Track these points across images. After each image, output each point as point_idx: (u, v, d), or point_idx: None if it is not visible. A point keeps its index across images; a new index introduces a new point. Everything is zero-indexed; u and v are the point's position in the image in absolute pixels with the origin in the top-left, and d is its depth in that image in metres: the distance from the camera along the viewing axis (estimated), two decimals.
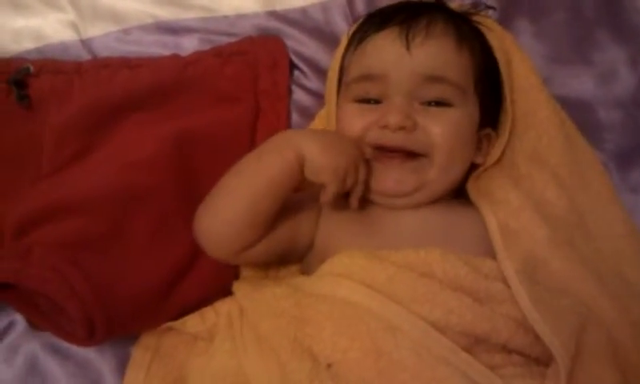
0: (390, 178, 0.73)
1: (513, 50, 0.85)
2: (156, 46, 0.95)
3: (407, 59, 0.72)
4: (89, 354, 0.76)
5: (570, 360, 0.56)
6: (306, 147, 0.68)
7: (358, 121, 0.74)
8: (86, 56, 0.94)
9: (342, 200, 0.73)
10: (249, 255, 0.72)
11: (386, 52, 0.74)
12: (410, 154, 0.72)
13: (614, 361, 0.58)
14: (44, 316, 0.73)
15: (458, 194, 0.79)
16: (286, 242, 0.74)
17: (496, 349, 0.61)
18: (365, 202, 0.75)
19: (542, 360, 0.61)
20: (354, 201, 0.72)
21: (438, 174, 0.72)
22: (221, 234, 0.71)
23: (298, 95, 0.94)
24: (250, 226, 0.70)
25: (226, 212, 0.70)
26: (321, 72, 0.92)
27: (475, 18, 0.80)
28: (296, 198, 0.75)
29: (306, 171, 0.68)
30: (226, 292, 0.75)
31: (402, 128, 0.70)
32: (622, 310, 0.66)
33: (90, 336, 0.69)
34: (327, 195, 0.69)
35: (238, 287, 0.74)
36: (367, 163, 0.72)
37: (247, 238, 0.71)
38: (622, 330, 0.64)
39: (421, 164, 0.72)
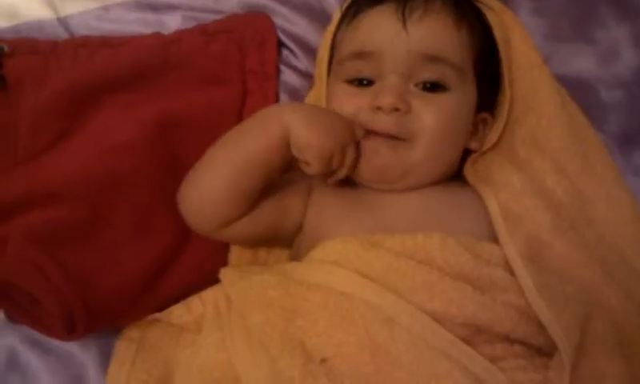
0: (373, 162, 0.70)
1: (513, 27, 0.82)
2: (137, 24, 0.91)
3: (403, 37, 0.69)
4: (71, 347, 0.73)
5: (574, 350, 0.54)
6: (292, 121, 0.65)
7: (348, 103, 0.71)
8: (63, 35, 0.90)
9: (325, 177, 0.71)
10: (232, 231, 0.70)
11: (381, 29, 0.71)
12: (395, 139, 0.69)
13: (619, 350, 0.57)
14: (22, 309, 0.70)
15: (457, 178, 0.77)
16: (271, 221, 0.72)
17: (498, 339, 0.59)
18: (358, 188, 0.72)
19: (544, 350, 0.59)
20: (331, 181, 0.70)
21: (424, 160, 0.70)
22: (201, 206, 0.69)
23: (287, 76, 0.90)
24: (230, 201, 0.68)
25: (207, 185, 0.68)
26: (311, 51, 0.89)
27: None
28: (286, 176, 0.72)
29: (291, 147, 0.66)
30: (214, 280, 0.73)
31: (395, 110, 0.67)
32: (626, 298, 0.64)
33: (69, 331, 0.66)
34: (309, 173, 0.67)
35: (224, 274, 0.71)
36: (357, 146, 0.69)
37: (228, 213, 0.69)
38: (626, 317, 0.63)
39: (404, 146, 0.69)
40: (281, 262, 0.77)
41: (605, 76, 0.83)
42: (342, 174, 0.69)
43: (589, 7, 0.86)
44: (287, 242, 0.76)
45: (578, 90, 0.82)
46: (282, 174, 0.70)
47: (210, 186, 0.68)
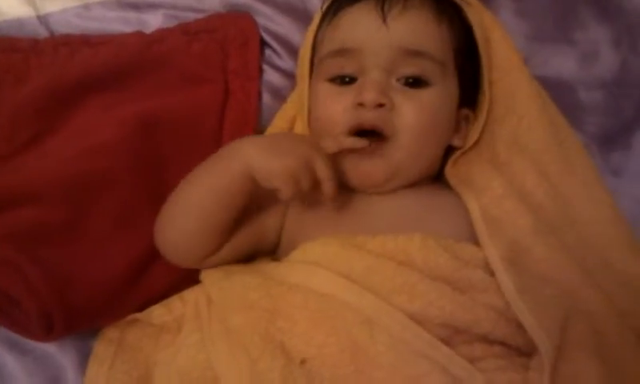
0: (361, 168, 0.70)
1: (493, 28, 0.82)
2: (118, 23, 0.91)
3: (384, 32, 0.69)
4: (49, 348, 0.72)
5: (554, 352, 0.54)
6: (251, 154, 0.64)
7: (333, 103, 0.71)
8: (43, 33, 0.90)
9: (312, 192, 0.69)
10: (212, 261, 0.70)
11: (362, 25, 0.71)
12: (378, 139, 0.69)
13: (599, 353, 0.56)
14: None
15: (438, 180, 0.77)
16: (251, 243, 0.72)
17: (477, 339, 0.58)
18: (339, 191, 0.71)
19: (523, 350, 0.59)
20: (327, 199, 0.67)
21: (407, 158, 0.70)
22: (177, 247, 0.69)
23: (270, 75, 0.90)
24: (205, 239, 0.68)
25: (180, 228, 0.68)
26: (293, 51, 0.89)
27: None
28: (260, 192, 0.70)
29: (257, 180, 0.64)
30: (195, 280, 0.72)
31: (379, 105, 0.67)
32: (607, 301, 0.64)
33: (47, 332, 0.65)
34: (285, 199, 0.66)
35: (205, 274, 0.71)
36: (334, 157, 0.68)
37: (206, 249, 0.69)
38: (606, 321, 0.62)
39: (387, 147, 0.69)
40: (263, 259, 0.76)
41: (585, 77, 0.84)
42: (328, 187, 0.66)
43: (570, 8, 0.86)
44: (268, 252, 0.76)
45: (558, 90, 0.82)
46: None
47: (183, 229, 0.68)
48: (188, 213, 0.67)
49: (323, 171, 0.65)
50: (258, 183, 0.65)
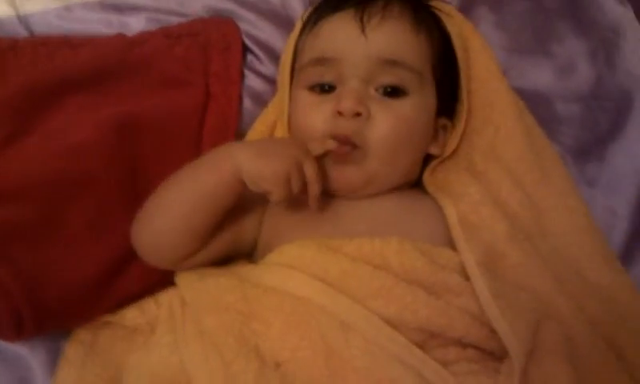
0: (338, 175, 0.70)
1: (473, 38, 0.83)
2: (100, 25, 0.91)
3: (362, 42, 0.70)
4: (18, 349, 0.71)
5: (525, 357, 0.54)
6: (241, 158, 0.64)
7: (313, 112, 0.71)
8: (23, 33, 0.89)
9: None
10: (189, 263, 0.69)
11: (341, 34, 0.71)
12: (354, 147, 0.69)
13: (570, 358, 0.57)
14: None
15: (417, 186, 0.77)
16: (228, 245, 0.72)
17: (450, 343, 0.59)
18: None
19: (497, 354, 0.59)
20: (312, 203, 0.68)
21: (381, 166, 0.70)
22: (156, 246, 0.69)
23: (251, 80, 0.90)
24: (187, 239, 0.67)
25: (160, 228, 0.67)
26: (275, 57, 0.90)
27: (434, 3, 0.78)
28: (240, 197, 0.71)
29: (247, 183, 0.65)
30: (169, 283, 0.71)
31: (357, 114, 0.68)
32: (578, 309, 0.64)
33: (17, 331, 0.64)
34: (276, 202, 0.66)
35: (180, 277, 0.70)
36: (316, 160, 0.68)
37: (185, 250, 0.68)
38: (577, 328, 0.63)
39: (362, 157, 0.69)
40: (239, 261, 0.76)
41: (561, 89, 0.85)
42: (315, 189, 0.67)
43: (548, 22, 0.88)
44: (246, 255, 0.76)
45: (535, 102, 0.83)
46: None
47: (163, 229, 0.67)
48: (170, 214, 0.67)
49: (312, 173, 0.66)
50: (246, 187, 0.65)
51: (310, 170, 0.66)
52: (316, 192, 0.67)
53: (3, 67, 0.82)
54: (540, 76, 0.86)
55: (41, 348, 0.71)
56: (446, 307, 0.59)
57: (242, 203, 0.71)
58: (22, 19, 0.89)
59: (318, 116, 0.70)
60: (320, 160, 0.69)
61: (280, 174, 0.63)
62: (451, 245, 0.66)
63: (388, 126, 0.69)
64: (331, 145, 0.68)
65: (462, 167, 0.77)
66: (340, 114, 0.68)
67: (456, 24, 0.79)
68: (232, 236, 0.71)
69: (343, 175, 0.70)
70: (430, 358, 0.56)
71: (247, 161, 0.64)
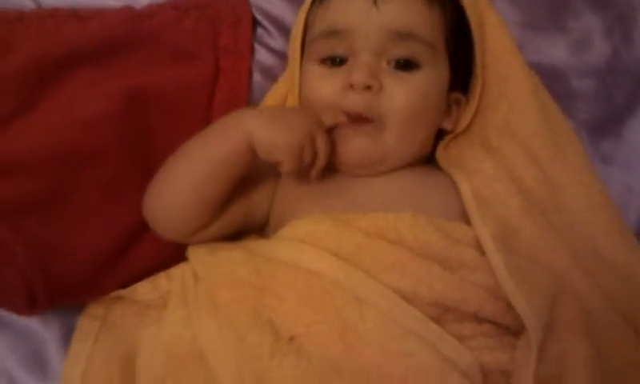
0: (351, 146, 0.69)
1: (487, 13, 0.82)
2: None
3: (374, 14, 0.69)
4: (31, 323, 0.71)
5: (541, 331, 0.54)
6: (253, 126, 0.63)
7: (323, 85, 0.70)
8: (30, 5, 0.88)
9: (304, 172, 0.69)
10: (201, 236, 0.69)
11: (352, 6, 0.70)
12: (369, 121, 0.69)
13: (587, 333, 0.56)
14: None
15: (429, 162, 0.77)
16: (241, 219, 0.71)
17: (466, 318, 0.59)
18: (328, 170, 0.71)
19: (512, 329, 0.59)
20: (314, 173, 0.68)
21: (398, 141, 0.69)
22: (169, 217, 0.68)
23: (261, 54, 0.89)
24: (197, 212, 0.67)
25: (172, 199, 0.67)
26: (286, 31, 0.88)
27: None
28: (252, 167, 0.70)
29: (258, 152, 0.64)
30: (181, 257, 0.71)
31: (367, 87, 0.67)
32: (594, 285, 0.64)
33: (30, 305, 0.64)
34: (286, 172, 0.66)
35: (192, 251, 0.70)
36: (327, 133, 0.68)
37: (197, 222, 0.68)
38: (593, 303, 0.63)
39: (379, 130, 0.69)
40: (250, 236, 0.75)
41: (577, 65, 0.84)
42: (321, 162, 0.67)
43: None
44: (257, 229, 0.75)
45: (550, 77, 0.82)
46: None
47: (176, 200, 0.67)
48: (181, 183, 0.66)
49: (323, 146, 0.66)
50: (256, 155, 0.64)
51: (322, 143, 0.66)
52: (322, 164, 0.67)
53: (11, 39, 0.81)
54: (555, 51, 0.85)
55: (54, 322, 0.71)
56: (460, 282, 0.59)
57: (254, 176, 0.71)
58: None
59: (327, 87, 0.70)
60: (329, 132, 0.69)
61: (293, 145, 0.63)
62: (465, 220, 0.66)
63: (403, 98, 0.68)
64: (343, 118, 0.68)
65: (475, 143, 0.76)
66: (351, 86, 0.67)
67: None
68: (244, 208, 0.71)
69: (358, 150, 0.69)
70: (445, 333, 0.56)
71: (259, 129, 0.63)
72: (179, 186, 0.66)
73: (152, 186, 0.68)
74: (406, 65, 0.69)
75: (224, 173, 0.66)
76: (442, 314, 0.58)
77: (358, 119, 0.68)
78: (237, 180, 0.67)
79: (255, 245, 0.67)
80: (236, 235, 0.73)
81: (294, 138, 0.63)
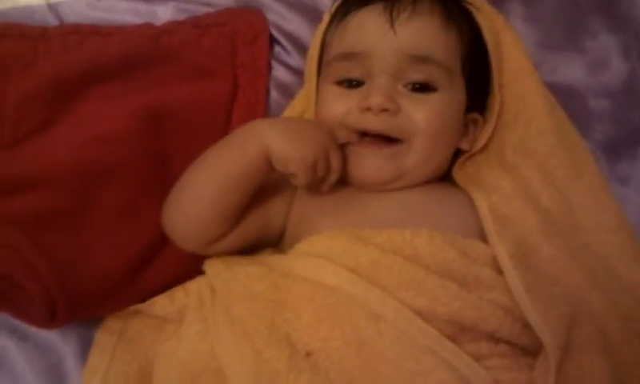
0: (367, 165, 0.70)
1: (504, 32, 0.82)
2: (128, 14, 0.91)
3: (391, 37, 0.69)
4: (50, 336, 0.72)
5: (560, 351, 0.54)
6: (270, 137, 0.64)
7: (338, 104, 0.71)
8: (53, 21, 0.90)
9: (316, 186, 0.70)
10: (219, 247, 0.69)
11: (369, 29, 0.71)
12: (388, 140, 0.69)
13: (605, 353, 0.56)
14: (1, 296, 0.68)
15: (445, 179, 0.77)
16: (257, 231, 0.72)
17: (483, 337, 0.58)
18: (343, 184, 0.72)
19: (529, 350, 0.59)
20: (325, 187, 0.69)
21: (418, 162, 0.70)
22: (186, 228, 0.69)
23: (279, 72, 0.90)
24: (215, 223, 0.67)
25: (190, 209, 0.67)
26: (303, 48, 0.89)
27: None
28: (269, 179, 0.71)
29: (273, 163, 0.65)
30: (198, 271, 0.72)
31: (384, 110, 0.67)
32: (611, 305, 0.64)
33: (50, 318, 0.65)
34: (299, 185, 0.66)
35: (209, 265, 0.70)
36: (341, 149, 0.69)
37: (214, 232, 0.68)
38: (610, 323, 0.62)
39: (399, 150, 0.69)
40: (265, 251, 0.76)
41: (593, 85, 0.84)
42: (334, 178, 0.68)
43: (580, 17, 0.87)
44: (273, 243, 0.76)
45: (566, 97, 0.82)
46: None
47: (194, 210, 0.67)
48: (199, 194, 0.67)
49: (338, 163, 0.67)
50: (272, 167, 0.65)
51: (337, 160, 0.67)
52: (334, 180, 0.68)
53: (34, 56, 0.83)
54: (572, 71, 0.85)
55: (73, 336, 0.72)
56: (477, 301, 0.58)
57: (271, 187, 0.72)
58: (52, 7, 0.89)
59: (342, 107, 0.70)
60: (343, 148, 0.70)
61: (308, 160, 0.64)
62: (482, 238, 0.66)
63: (425, 117, 0.69)
64: (355, 137, 0.69)
65: (493, 162, 0.76)
66: (368, 109, 0.68)
67: (487, 18, 0.79)
68: (261, 220, 0.71)
69: (369, 169, 0.70)
70: (461, 351, 0.56)
71: (276, 142, 0.64)
72: (197, 196, 0.67)
73: (171, 196, 0.69)
74: (423, 88, 0.70)
75: (241, 183, 0.66)
76: (458, 332, 0.58)
77: (377, 143, 0.69)
78: (254, 190, 0.67)
79: (272, 259, 0.67)
80: (251, 249, 0.74)
81: (308, 153, 0.64)
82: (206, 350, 0.61)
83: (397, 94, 0.69)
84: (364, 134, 0.70)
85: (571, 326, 0.56)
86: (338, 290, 0.59)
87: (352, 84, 0.72)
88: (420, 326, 0.57)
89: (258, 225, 0.71)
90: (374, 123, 0.68)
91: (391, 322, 0.57)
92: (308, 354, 0.56)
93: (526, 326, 0.57)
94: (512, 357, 0.58)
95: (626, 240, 0.72)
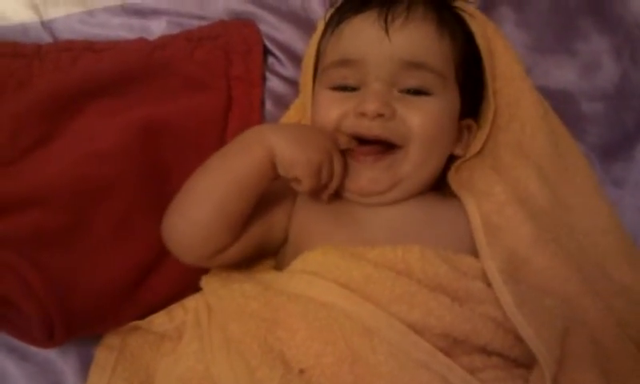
0: (363, 176, 0.70)
1: (496, 38, 0.82)
2: (122, 29, 0.91)
3: (386, 44, 0.69)
4: (49, 354, 0.72)
5: (555, 364, 0.54)
6: (275, 142, 0.64)
7: (333, 109, 0.71)
8: (47, 39, 0.90)
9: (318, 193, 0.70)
10: (222, 258, 0.69)
11: (364, 36, 0.71)
12: (385, 148, 0.69)
13: (598, 364, 0.56)
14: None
15: (438, 186, 0.77)
16: (260, 241, 0.71)
17: (475, 350, 0.59)
18: (338, 197, 0.72)
19: (521, 361, 0.59)
20: (325, 196, 0.69)
21: (413, 169, 0.70)
22: (191, 238, 0.67)
23: (273, 83, 0.91)
24: (220, 231, 0.66)
25: (195, 214, 0.66)
26: (296, 59, 0.89)
27: (457, 4, 0.77)
28: (268, 188, 0.71)
29: (278, 167, 0.65)
30: (197, 287, 0.72)
31: (379, 115, 0.68)
32: (605, 310, 0.64)
33: (48, 337, 0.65)
34: (302, 191, 0.66)
35: (206, 282, 0.71)
36: (343, 155, 0.69)
37: (219, 242, 0.67)
38: (605, 330, 0.63)
39: (395, 159, 0.70)
40: (264, 265, 0.76)
41: (586, 88, 0.84)
42: (335, 184, 0.68)
43: (571, 20, 0.87)
44: (273, 252, 0.76)
45: (559, 101, 0.82)
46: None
47: (199, 216, 0.66)
48: (204, 199, 0.66)
49: (340, 168, 0.67)
50: (276, 171, 0.65)
51: (339, 165, 0.67)
52: (336, 186, 0.68)
53: (28, 73, 0.83)
54: (564, 74, 0.85)
55: (72, 353, 0.72)
56: (469, 314, 0.59)
57: (271, 197, 0.72)
58: (46, 25, 0.90)
59: (338, 111, 0.71)
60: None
61: (314, 164, 0.64)
62: (474, 248, 0.66)
63: (420, 121, 0.69)
64: (354, 143, 0.69)
65: (487, 165, 0.77)
66: (363, 115, 0.68)
67: (479, 24, 0.79)
68: (262, 230, 0.71)
69: (366, 179, 0.70)
70: (455, 365, 0.56)
71: (281, 146, 0.64)
72: (202, 201, 0.66)
73: (172, 205, 0.68)
74: (417, 93, 0.70)
75: (246, 187, 0.65)
76: (451, 346, 0.58)
77: (373, 153, 0.69)
78: (257, 198, 0.67)
79: (267, 277, 0.68)
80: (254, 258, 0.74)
81: (315, 157, 0.64)
82: (202, 369, 0.61)
83: (392, 99, 0.69)
84: (362, 141, 0.70)
85: (564, 337, 0.56)
86: (330, 306, 0.59)
87: (347, 90, 0.72)
88: (414, 340, 0.57)
89: (259, 235, 0.71)
90: (369, 128, 0.68)
91: (385, 337, 0.57)
92: (302, 372, 0.57)
93: (518, 338, 0.57)
94: (505, 369, 0.58)
95: (618, 242, 0.73)
